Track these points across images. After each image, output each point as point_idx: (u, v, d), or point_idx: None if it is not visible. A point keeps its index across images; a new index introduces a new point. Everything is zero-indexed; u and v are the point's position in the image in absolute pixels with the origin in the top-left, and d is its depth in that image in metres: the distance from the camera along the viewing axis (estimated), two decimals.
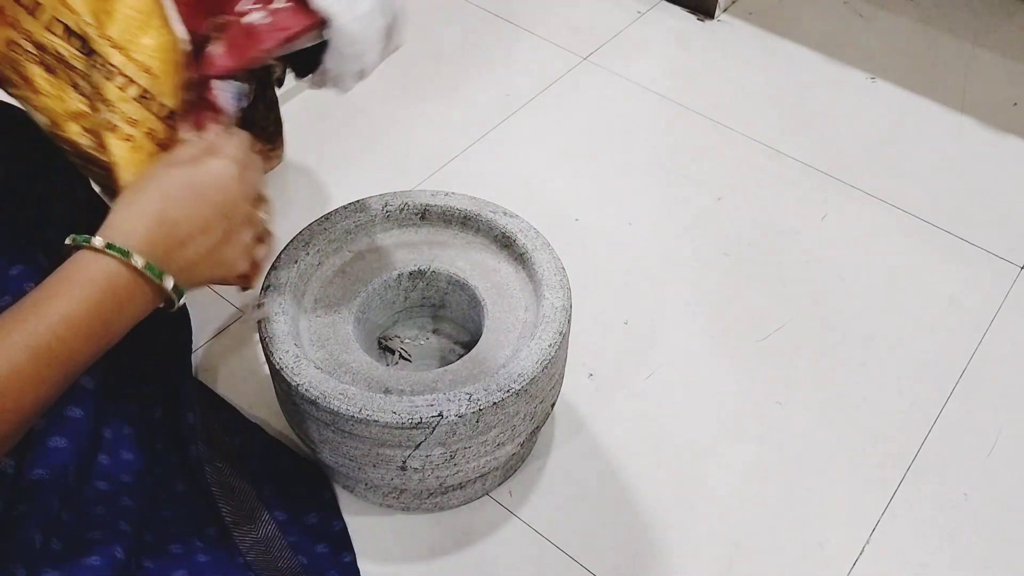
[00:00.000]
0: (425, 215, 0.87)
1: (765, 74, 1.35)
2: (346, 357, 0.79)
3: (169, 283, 0.57)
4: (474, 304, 0.85)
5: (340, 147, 1.20)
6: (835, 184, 1.18)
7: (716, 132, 1.25)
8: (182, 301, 0.59)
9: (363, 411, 0.71)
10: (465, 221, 0.87)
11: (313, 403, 0.72)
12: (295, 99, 1.27)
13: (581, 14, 1.43)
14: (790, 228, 1.13)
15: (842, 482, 0.89)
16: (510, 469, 0.87)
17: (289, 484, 0.84)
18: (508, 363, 0.76)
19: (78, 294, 0.54)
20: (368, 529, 0.84)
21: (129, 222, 0.56)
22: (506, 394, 0.72)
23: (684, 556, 0.83)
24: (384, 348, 0.90)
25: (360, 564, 0.81)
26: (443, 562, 0.82)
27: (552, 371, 0.77)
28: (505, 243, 0.86)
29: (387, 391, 0.75)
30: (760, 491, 0.88)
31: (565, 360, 0.83)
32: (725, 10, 1.45)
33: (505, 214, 0.86)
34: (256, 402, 0.93)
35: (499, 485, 0.87)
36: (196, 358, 0.95)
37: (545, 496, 0.87)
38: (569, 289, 0.80)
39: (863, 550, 0.85)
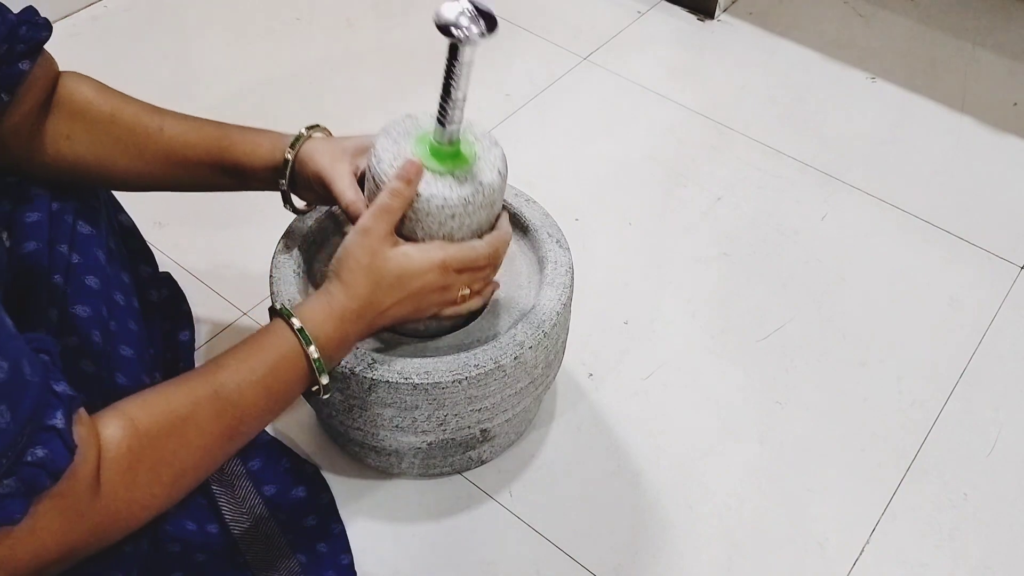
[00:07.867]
0: None
1: (765, 74, 1.35)
2: None
3: (324, 380, 0.66)
4: None
5: None
6: (835, 184, 1.18)
7: (716, 132, 1.25)
8: (327, 395, 0.67)
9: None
10: None
11: None
12: (294, 96, 1.27)
13: (581, 14, 1.43)
14: (790, 228, 1.13)
15: (842, 482, 0.89)
16: (509, 437, 0.88)
17: (289, 485, 0.84)
18: (530, 311, 0.78)
19: (263, 357, 0.62)
20: (368, 530, 0.84)
21: (341, 303, 0.67)
22: (522, 349, 0.75)
23: (684, 556, 0.83)
24: None
25: (359, 565, 0.81)
26: (443, 562, 0.82)
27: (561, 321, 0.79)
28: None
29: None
30: (760, 491, 0.88)
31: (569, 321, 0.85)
32: (725, 10, 1.45)
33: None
34: None
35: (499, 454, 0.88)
36: (197, 357, 0.95)
37: (545, 496, 0.87)
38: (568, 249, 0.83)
39: (863, 550, 0.85)
